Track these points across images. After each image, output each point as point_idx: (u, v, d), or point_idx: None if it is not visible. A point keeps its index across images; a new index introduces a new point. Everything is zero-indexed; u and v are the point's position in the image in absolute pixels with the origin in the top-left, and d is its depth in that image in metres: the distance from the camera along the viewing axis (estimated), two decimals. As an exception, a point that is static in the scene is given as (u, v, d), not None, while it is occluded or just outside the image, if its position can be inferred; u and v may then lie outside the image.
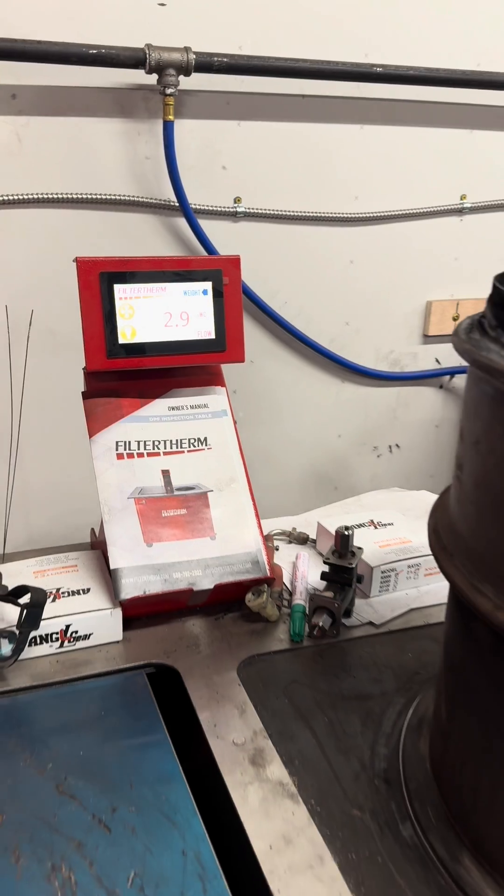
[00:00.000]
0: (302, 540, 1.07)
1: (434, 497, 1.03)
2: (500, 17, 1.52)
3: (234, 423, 0.98)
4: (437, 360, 1.77)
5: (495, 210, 1.65)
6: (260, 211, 1.37)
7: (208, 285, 0.91)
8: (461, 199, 1.60)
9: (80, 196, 1.18)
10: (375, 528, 1.00)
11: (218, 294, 0.91)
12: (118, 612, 0.82)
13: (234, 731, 0.70)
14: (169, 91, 1.15)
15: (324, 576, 0.88)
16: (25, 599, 0.76)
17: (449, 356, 1.75)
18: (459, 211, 1.61)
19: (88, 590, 0.84)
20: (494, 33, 1.52)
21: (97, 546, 0.95)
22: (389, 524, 1.01)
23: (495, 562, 0.51)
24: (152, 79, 1.16)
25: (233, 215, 1.34)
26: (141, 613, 0.86)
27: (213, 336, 0.91)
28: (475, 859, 0.57)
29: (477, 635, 0.55)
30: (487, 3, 1.50)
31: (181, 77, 1.16)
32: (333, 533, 0.89)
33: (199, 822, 0.61)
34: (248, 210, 1.36)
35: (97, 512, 0.97)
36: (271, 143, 1.34)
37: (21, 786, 0.64)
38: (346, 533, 0.87)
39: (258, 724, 0.71)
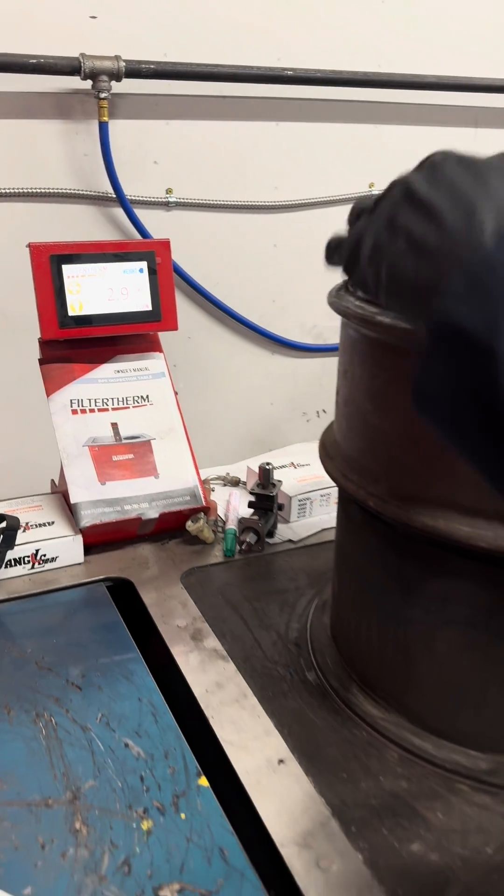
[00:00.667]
0: (234, 482, 1.25)
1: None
2: (395, 24, 1.71)
3: (172, 384, 1.14)
4: (356, 332, 1.95)
5: (401, 196, 1.84)
6: (189, 200, 1.53)
7: (144, 264, 1.07)
8: (370, 187, 1.79)
9: (27, 190, 1.33)
10: (295, 468, 1.19)
11: (152, 272, 1.07)
12: (79, 538, 0.98)
13: (178, 619, 0.88)
14: (102, 95, 1.30)
15: (250, 504, 1.06)
16: (1, 525, 0.91)
17: (366, 328, 1.93)
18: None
19: (53, 522, 1.01)
20: (391, 38, 1.71)
21: (57, 493, 1.11)
22: (307, 464, 1.19)
23: (358, 457, 0.69)
24: (87, 84, 1.31)
25: (165, 205, 1.50)
26: (98, 541, 1.02)
27: (149, 308, 1.08)
28: (360, 688, 0.76)
29: (351, 515, 0.73)
30: (385, 12, 1.68)
31: (113, 82, 1.31)
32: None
33: (151, 680, 0.78)
34: (178, 200, 1.51)
35: (52, 477, 1.13)
36: (197, 139, 1.50)
37: (6, 665, 0.80)
38: (267, 467, 1.05)
39: (197, 613, 0.89)
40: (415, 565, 0.67)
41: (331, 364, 1.96)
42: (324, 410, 2.00)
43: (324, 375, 1.95)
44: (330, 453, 0.75)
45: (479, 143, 1.89)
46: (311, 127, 1.71)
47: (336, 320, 2.07)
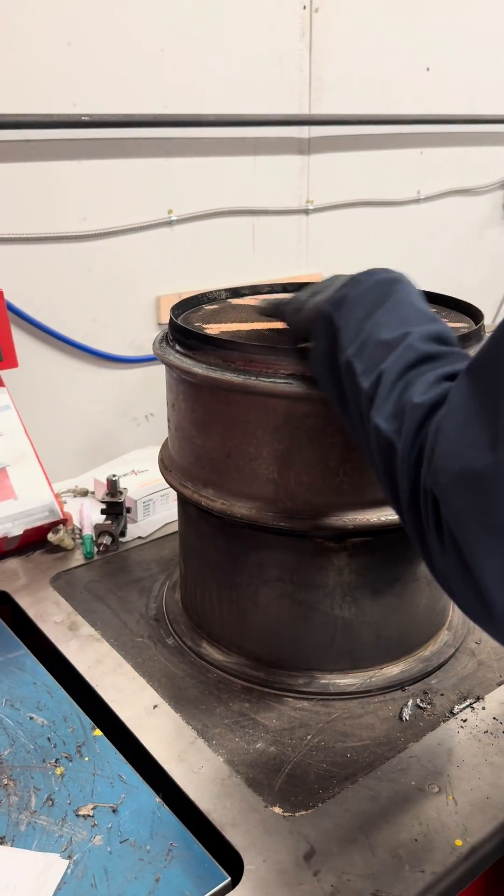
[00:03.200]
0: (83, 493, 1.43)
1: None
2: (176, 70, 1.92)
3: (18, 413, 1.30)
4: (172, 342, 2.15)
5: (196, 220, 2.07)
6: (7, 236, 1.66)
7: (-18, 314, 1.21)
8: (169, 213, 2.00)
9: None
10: (136, 474, 1.39)
11: (-10, 320, 1.22)
12: (-46, 561, 1.13)
13: (54, 616, 1.06)
14: None
15: (103, 511, 1.25)
16: None
17: (180, 337, 2.14)
18: (169, 223, 2.01)
19: None
20: (176, 82, 1.92)
21: None
22: (146, 470, 1.40)
23: (189, 468, 0.91)
24: None
25: (-16, 242, 1.62)
26: (-30, 561, 1.17)
27: (-9, 351, 1.23)
28: (209, 643, 0.99)
29: (189, 512, 0.96)
30: (166, 59, 1.89)
31: None
32: (105, 483, 1.27)
33: (41, 667, 0.96)
34: (-4, 237, 1.64)
35: None
36: (8, 180, 1.63)
37: None
38: (113, 478, 1.25)
39: (70, 609, 1.07)
40: (238, 544, 0.90)
41: (154, 372, 2.16)
42: (151, 414, 2.20)
43: (148, 382, 2.15)
44: (168, 466, 0.96)
45: (258, 168, 2.17)
46: (112, 162, 1.88)
47: (153, 332, 2.27)
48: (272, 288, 1.12)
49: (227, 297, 1.09)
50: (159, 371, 2.24)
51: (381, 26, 2.29)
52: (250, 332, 0.91)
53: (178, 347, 0.89)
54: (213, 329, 0.92)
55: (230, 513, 0.86)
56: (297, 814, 0.76)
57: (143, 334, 2.10)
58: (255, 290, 1.11)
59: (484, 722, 0.88)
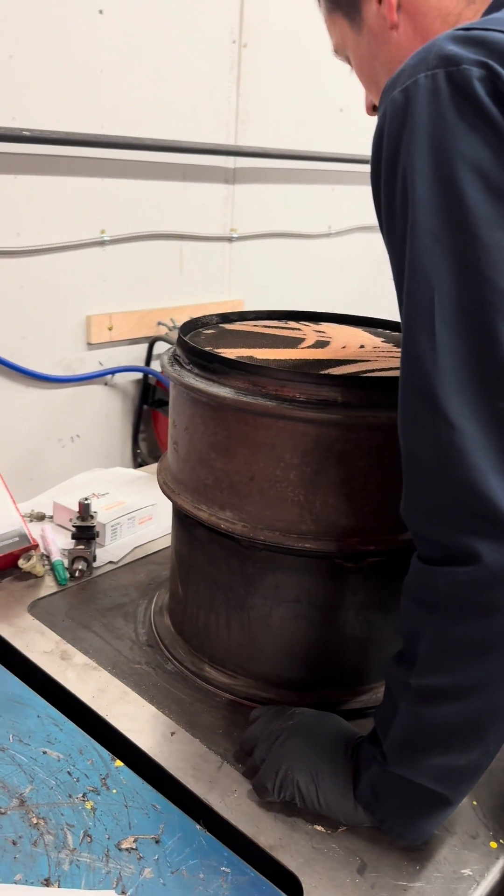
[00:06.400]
0: (40, 517, 1.37)
1: (126, 471, 1.47)
2: (117, 93, 1.92)
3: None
4: (101, 363, 2.14)
5: (128, 241, 2.07)
6: None
7: None
8: (101, 233, 1.98)
9: None
10: (98, 497, 1.35)
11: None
12: None
13: (43, 646, 1.01)
14: None
15: (74, 535, 1.21)
16: None
17: (108, 359, 2.13)
18: (102, 243, 1.99)
19: None
20: (113, 104, 1.91)
21: None
22: (106, 493, 1.37)
23: (204, 491, 0.91)
24: None
25: None
26: None
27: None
28: (212, 666, 0.99)
29: (198, 535, 0.96)
30: (103, 81, 1.88)
31: None
32: (68, 507, 1.24)
33: (41, 699, 0.92)
34: None
35: None
36: None
37: None
38: (86, 502, 1.21)
39: (57, 638, 1.03)
40: (254, 566, 0.91)
41: (80, 392, 2.12)
42: (77, 436, 2.14)
43: (75, 403, 2.10)
44: (174, 490, 0.96)
45: (187, 193, 2.19)
46: (47, 179, 1.85)
47: (82, 352, 2.24)
48: (258, 315, 1.15)
49: (218, 322, 1.11)
50: (87, 391, 2.20)
51: (302, 65, 2.39)
52: (265, 358, 0.93)
53: (196, 371, 0.90)
54: (228, 354, 0.93)
55: (254, 536, 0.87)
56: (339, 830, 0.78)
57: (71, 354, 2.06)
58: (241, 316, 1.14)
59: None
